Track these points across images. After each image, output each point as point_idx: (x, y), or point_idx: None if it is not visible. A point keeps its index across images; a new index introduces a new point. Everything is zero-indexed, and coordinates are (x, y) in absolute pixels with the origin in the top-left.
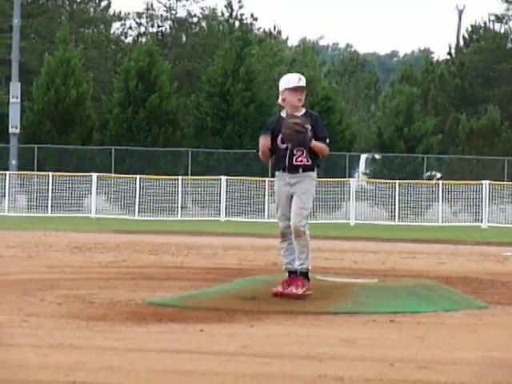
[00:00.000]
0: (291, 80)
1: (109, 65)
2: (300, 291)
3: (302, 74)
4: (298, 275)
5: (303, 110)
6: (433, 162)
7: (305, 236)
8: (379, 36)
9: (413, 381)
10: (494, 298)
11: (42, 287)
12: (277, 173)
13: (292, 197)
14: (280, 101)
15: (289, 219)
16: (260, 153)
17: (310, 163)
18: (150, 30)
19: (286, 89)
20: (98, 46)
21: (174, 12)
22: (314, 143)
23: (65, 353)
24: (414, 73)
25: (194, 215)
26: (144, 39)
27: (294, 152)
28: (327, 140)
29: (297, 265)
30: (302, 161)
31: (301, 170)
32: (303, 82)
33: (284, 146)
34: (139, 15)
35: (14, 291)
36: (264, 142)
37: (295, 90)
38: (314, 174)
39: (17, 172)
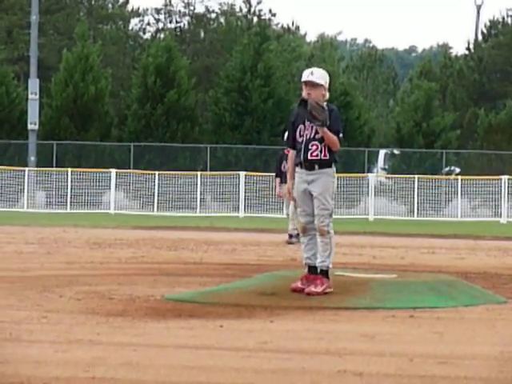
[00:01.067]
0: (303, 74)
1: (127, 61)
2: (319, 289)
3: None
4: (318, 273)
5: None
6: (451, 157)
7: (329, 235)
8: (397, 31)
9: (432, 376)
10: None
11: (61, 283)
12: (296, 169)
13: (310, 193)
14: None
15: (309, 215)
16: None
17: (327, 158)
18: (169, 25)
19: (302, 82)
20: (116, 42)
21: (192, 8)
22: (326, 131)
23: (84, 349)
24: (433, 68)
25: (213, 211)
26: (162, 35)
27: (309, 147)
28: (340, 135)
29: (318, 262)
30: (317, 155)
31: (317, 167)
32: (312, 77)
33: (301, 139)
34: (157, 11)
35: (33, 287)
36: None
37: (305, 84)
38: (331, 170)
39: (36, 168)
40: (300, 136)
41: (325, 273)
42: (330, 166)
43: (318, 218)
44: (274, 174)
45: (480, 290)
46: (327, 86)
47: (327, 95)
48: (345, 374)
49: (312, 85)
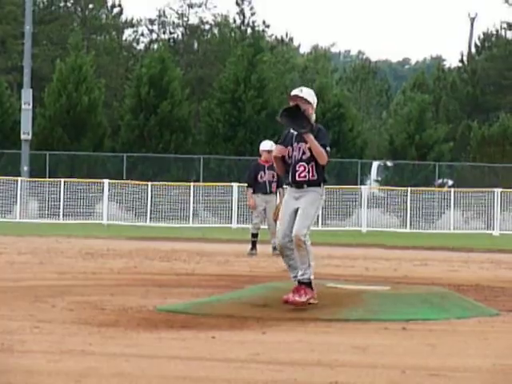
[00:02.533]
0: (293, 91)
1: (121, 71)
2: (303, 299)
3: (314, 81)
4: (301, 285)
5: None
6: (444, 169)
7: (305, 246)
8: (391, 43)
9: None
10: (506, 305)
11: (53, 293)
12: (287, 187)
13: (296, 210)
14: None
15: (287, 236)
16: (274, 163)
17: (315, 178)
18: (162, 36)
19: (290, 98)
20: (109, 52)
21: (186, 19)
22: (312, 139)
23: (76, 359)
24: (426, 80)
25: (206, 222)
26: (156, 46)
27: (297, 168)
28: (327, 148)
29: (299, 275)
30: (305, 176)
31: (305, 186)
32: (301, 94)
33: (289, 160)
34: (151, 22)
35: (25, 297)
36: (278, 148)
37: (293, 99)
38: (319, 189)
39: (28, 178)
40: (289, 157)
41: (307, 284)
42: (319, 186)
43: (297, 225)
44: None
45: (472, 302)
46: (314, 105)
47: (313, 116)
48: None
49: (301, 101)
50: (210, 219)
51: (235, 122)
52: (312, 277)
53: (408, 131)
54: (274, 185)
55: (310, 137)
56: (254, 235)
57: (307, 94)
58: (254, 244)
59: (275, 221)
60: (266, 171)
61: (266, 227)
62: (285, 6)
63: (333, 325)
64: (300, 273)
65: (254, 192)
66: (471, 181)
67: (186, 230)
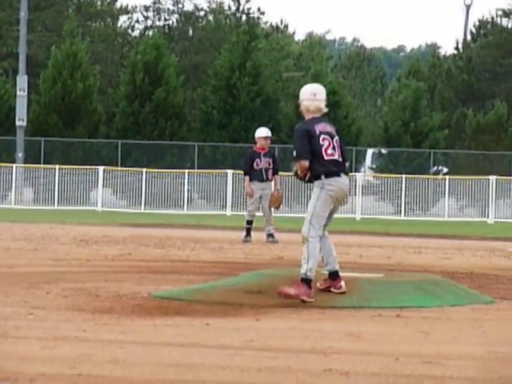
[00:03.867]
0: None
1: (115, 58)
2: (292, 291)
3: (308, 69)
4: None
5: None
6: (439, 156)
7: (307, 243)
8: (386, 30)
9: (418, 375)
10: (500, 293)
11: (48, 280)
12: None
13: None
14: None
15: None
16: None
17: (313, 173)
18: (157, 23)
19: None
20: (104, 39)
21: (180, 6)
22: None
23: (70, 345)
24: (421, 68)
25: (200, 209)
26: (151, 33)
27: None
28: (293, 154)
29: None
30: (306, 174)
31: (313, 182)
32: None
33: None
34: (146, 8)
35: (20, 284)
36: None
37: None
38: (319, 182)
39: (23, 165)
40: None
41: (302, 280)
42: (319, 178)
43: (303, 224)
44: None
45: (466, 289)
46: (306, 98)
47: (315, 115)
48: (331, 372)
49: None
50: (205, 206)
51: (230, 109)
52: (309, 274)
53: (403, 119)
54: (269, 172)
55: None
56: (249, 222)
57: (300, 93)
58: (248, 231)
59: (270, 208)
60: (262, 158)
61: (261, 214)
62: None
63: (327, 312)
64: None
65: (250, 179)
66: (466, 168)
67: (181, 217)
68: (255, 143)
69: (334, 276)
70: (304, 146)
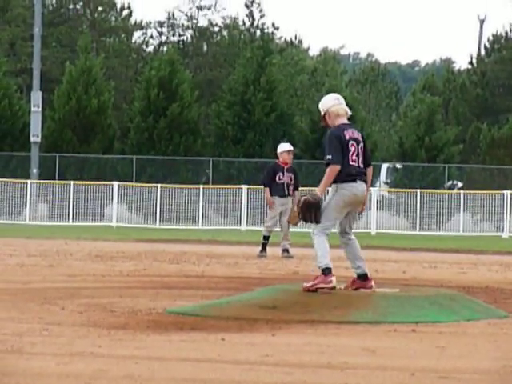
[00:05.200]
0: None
1: (130, 74)
2: (308, 284)
3: (323, 84)
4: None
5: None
6: (454, 171)
7: (313, 239)
8: (400, 45)
9: None
10: None
11: (63, 296)
12: None
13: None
14: None
15: (340, 233)
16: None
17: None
18: (172, 39)
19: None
20: (119, 55)
21: (195, 21)
22: (321, 185)
23: (86, 361)
24: (436, 82)
25: (215, 224)
26: (165, 48)
27: None
28: (328, 157)
29: None
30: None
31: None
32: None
33: None
34: (160, 24)
35: (35, 300)
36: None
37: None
38: (334, 185)
39: (38, 181)
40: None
41: (321, 271)
42: (334, 183)
43: None
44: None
45: (482, 304)
46: (335, 107)
47: (340, 111)
48: None
49: (321, 116)
50: (220, 221)
51: (244, 124)
52: (321, 264)
53: (417, 133)
54: (291, 187)
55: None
56: (266, 238)
57: (320, 105)
58: (264, 246)
59: (289, 223)
60: (285, 173)
61: (279, 229)
62: (294, 9)
63: (342, 327)
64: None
65: (270, 193)
66: (481, 183)
67: (196, 232)
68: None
69: (363, 278)
70: (337, 151)
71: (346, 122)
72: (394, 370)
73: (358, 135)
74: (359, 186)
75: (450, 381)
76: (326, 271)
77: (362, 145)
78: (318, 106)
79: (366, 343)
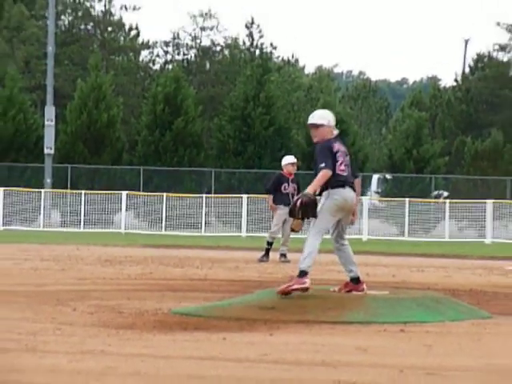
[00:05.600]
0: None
1: (137, 90)
2: (283, 286)
3: (318, 100)
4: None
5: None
6: (440, 181)
7: (306, 242)
8: (390, 64)
9: None
10: (498, 308)
11: (74, 298)
12: None
13: None
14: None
15: (333, 240)
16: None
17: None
18: (177, 57)
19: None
20: (127, 72)
21: (198, 41)
22: (312, 186)
23: (96, 359)
24: (423, 98)
25: (217, 231)
26: (170, 66)
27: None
28: (321, 165)
29: None
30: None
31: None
32: (312, 120)
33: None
34: (166, 44)
35: (48, 301)
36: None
37: (309, 126)
38: (326, 192)
39: (51, 190)
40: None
41: (299, 272)
42: (325, 189)
43: None
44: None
45: (466, 306)
46: (330, 123)
47: (334, 132)
48: (339, 383)
49: (314, 126)
50: (221, 228)
51: (245, 137)
52: (301, 266)
53: (406, 146)
54: (295, 197)
55: (310, 188)
56: (269, 243)
57: (318, 117)
58: (267, 251)
59: (293, 230)
60: (290, 184)
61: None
62: (291, 30)
63: (336, 327)
64: None
65: (275, 202)
66: (465, 192)
67: (199, 239)
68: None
69: (356, 281)
70: (328, 159)
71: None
72: (385, 367)
73: (344, 149)
74: (348, 193)
75: (437, 377)
76: (303, 274)
77: (348, 157)
78: (310, 117)
79: (358, 342)
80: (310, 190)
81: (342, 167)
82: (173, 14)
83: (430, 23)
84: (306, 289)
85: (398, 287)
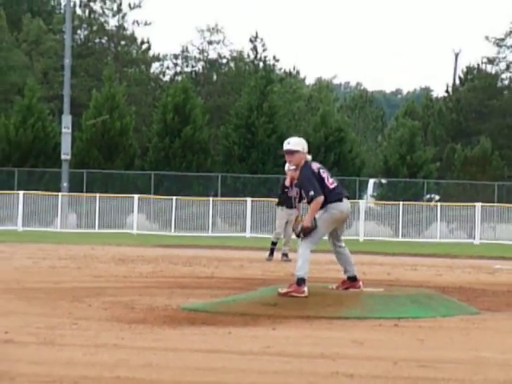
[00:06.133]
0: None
1: (149, 100)
2: (283, 290)
3: (318, 109)
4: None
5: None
6: (432, 186)
7: (299, 249)
8: (385, 76)
9: (414, 378)
10: (486, 305)
11: (89, 294)
12: None
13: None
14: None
15: (332, 244)
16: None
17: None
18: (185, 69)
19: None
20: (139, 83)
21: (206, 54)
22: (305, 221)
23: (109, 352)
24: (416, 108)
25: (223, 232)
26: (180, 78)
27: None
28: (310, 194)
29: None
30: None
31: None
32: (288, 146)
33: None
34: (176, 57)
35: (65, 297)
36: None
37: (285, 153)
38: (324, 208)
39: (68, 193)
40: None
41: (296, 280)
42: (322, 208)
43: None
44: (277, 199)
45: (456, 302)
46: (305, 149)
47: (308, 157)
48: (338, 375)
49: (290, 152)
50: (227, 229)
51: (249, 144)
52: (298, 273)
53: (400, 152)
54: (297, 200)
55: (306, 220)
56: (274, 243)
57: (294, 144)
58: (272, 251)
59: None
60: (293, 188)
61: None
62: (292, 43)
63: (334, 322)
64: None
65: (280, 204)
66: (455, 196)
67: (206, 239)
68: (272, 174)
69: (353, 279)
70: (314, 184)
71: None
72: (380, 359)
73: (320, 165)
74: (345, 205)
75: (429, 369)
76: (300, 282)
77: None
78: (285, 143)
79: (354, 336)
80: (306, 223)
81: (330, 181)
82: (182, 28)
83: (423, 37)
84: (305, 297)
85: (393, 285)
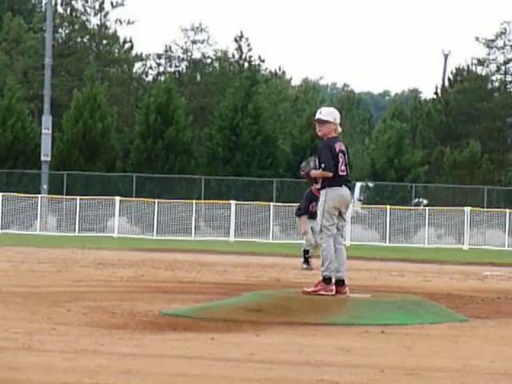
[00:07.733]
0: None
1: (131, 100)
2: (310, 289)
3: (304, 111)
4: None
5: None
6: (420, 189)
7: (322, 248)
8: (373, 77)
9: None
10: (474, 312)
11: (69, 299)
12: None
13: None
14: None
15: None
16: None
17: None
18: (169, 69)
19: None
20: (121, 83)
21: (189, 54)
22: (313, 173)
23: (89, 357)
24: (404, 110)
25: (206, 235)
26: (163, 78)
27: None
28: (322, 166)
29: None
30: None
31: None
32: (320, 115)
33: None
34: (159, 56)
35: (44, 302)
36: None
37: (316, 122)
38: (323, 191)
39: (48, 196)
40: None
41: (324, 279)
42: (322, 189)
43: None
44: (261, 202)
45: (444, 309)
46: (337, 121)
47: (339, 129)
48: (323, 382)
49: (320, 122)
50: (210, 233)
51: (233, 146)
52: (326, 273)
53: (388, 155)
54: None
55: (312, 172)
56: (306, 251)
57: (326, 113)
58: (306, 260)
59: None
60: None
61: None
62: (278, 43)
63: (320, 328)
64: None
65: (302, 214)
66: (444, 200)
67: (189, 243)
68: (257, 177)
69: (341, 283)
70: (329, 160)
71: (335, 135)
72: (366, 367)
73: (344, 148)
74: (344, 190)
75: (416, 377)
76: (328, 280)
77: (347, 156)
78: (318, 112)
79: (340, 343)
80: (312, 173)
81: (343, 167)
82: (165, 27)
83: (412, 38)
84: (333, 295)
85: (380, 291)
